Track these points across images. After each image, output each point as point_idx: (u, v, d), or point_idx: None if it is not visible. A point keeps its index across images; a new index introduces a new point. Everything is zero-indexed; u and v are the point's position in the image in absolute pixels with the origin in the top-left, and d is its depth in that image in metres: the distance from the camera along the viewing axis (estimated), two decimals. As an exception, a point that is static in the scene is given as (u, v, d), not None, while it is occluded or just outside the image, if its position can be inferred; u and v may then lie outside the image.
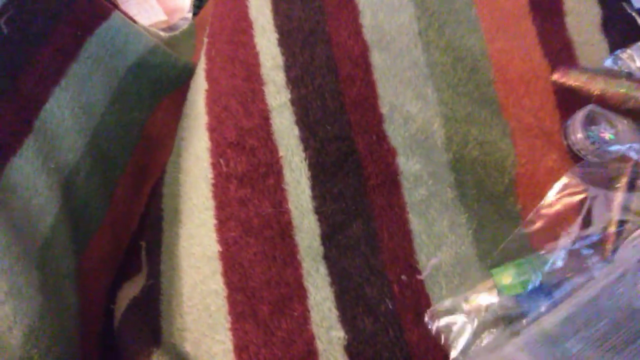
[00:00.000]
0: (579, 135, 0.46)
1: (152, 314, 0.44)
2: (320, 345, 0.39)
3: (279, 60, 0.46)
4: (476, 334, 0.39)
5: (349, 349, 0.39)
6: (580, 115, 0.47)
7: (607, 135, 0.47)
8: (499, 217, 0.45)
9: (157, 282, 0.45)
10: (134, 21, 0.60)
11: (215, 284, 0.42)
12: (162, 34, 0.78)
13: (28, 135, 0.42)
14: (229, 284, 0.41)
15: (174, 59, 0.59)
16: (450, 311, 0.40)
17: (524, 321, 0.39)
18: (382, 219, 0.42)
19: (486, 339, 0.39)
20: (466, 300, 0.40)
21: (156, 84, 0.57)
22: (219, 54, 0.49)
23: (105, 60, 0.50)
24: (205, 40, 0.51)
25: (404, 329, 0.39)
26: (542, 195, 0.46)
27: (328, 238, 0.42)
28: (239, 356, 0.39)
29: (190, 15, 1.06)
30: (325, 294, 0.40)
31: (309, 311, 0.40)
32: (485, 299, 0.40)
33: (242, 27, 0.48)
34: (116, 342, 0.46)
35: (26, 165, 0.41)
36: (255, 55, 0.47)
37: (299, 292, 0.40)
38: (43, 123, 0.43)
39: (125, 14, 0.56)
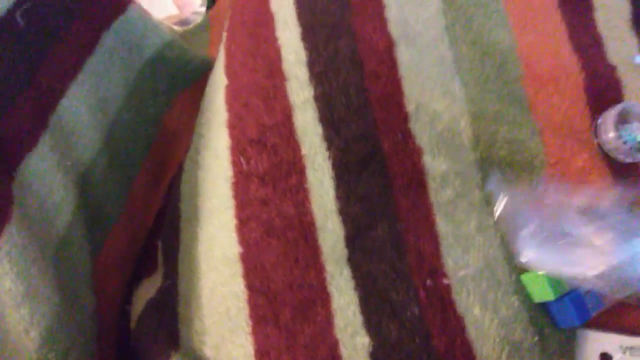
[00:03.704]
0: (611, 135, 0.45)
1: (169, 317, 0.43)
2: (344, 351, 0.38)
3: (302, 55, 0.45)
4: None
5: (374, 355, 0.37)
6: (612, 113, 0.45)
7: (640, 134, 0.45)
8: (528, 219, 0.44)
9: (174, 283, 0.44)
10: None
11: (235, 287, 0.41)
12: (176, 28, 0.77)
13: (44, 132, 0.41)
14: (250, 286, 0.40)
15: (190, 53, 0.58)
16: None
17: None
18: (408, 221, 0.41)
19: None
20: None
21: (173, 78, 0.56)
22: (239, 48, 0.47)
23: (122, 54, 0.49)
24: (225, 34, 0.49)
25: (431, 335, 0.38)
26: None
27: (352, 240, 0.41)
28: (260, 361, 0.38)
29: (203, 9, 1.05)
30: (349, 298, 0.39)
31: (332, 316, 0.39)
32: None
33: (263, 20, 0.47)
34: (132, 344, 0.45)
35: (42, 163, 0.40)
36: (277, 50, 0.45)
37: (322, 296, 0.39)
38: (59, 119, 0.42)
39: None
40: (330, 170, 0.42)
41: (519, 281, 0.41)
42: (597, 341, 0.40)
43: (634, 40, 0.51)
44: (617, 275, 0.30)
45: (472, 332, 0.38)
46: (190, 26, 0.79)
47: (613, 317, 0.41)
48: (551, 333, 0.40)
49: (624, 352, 0.40)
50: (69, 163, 0.42)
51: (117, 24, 0.48)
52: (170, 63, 0.55)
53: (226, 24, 0.50)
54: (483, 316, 0.39)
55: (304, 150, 0.43)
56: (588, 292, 0.40)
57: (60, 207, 0.41)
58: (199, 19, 0.84)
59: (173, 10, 1.18)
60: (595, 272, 0.31)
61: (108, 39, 0.47)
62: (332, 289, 0.39)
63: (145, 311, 0.45)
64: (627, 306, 0.42)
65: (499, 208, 0.39)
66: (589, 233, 0.32)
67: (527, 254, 0.34)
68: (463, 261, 0.40)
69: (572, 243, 0.32)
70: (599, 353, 0.40)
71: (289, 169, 0.42)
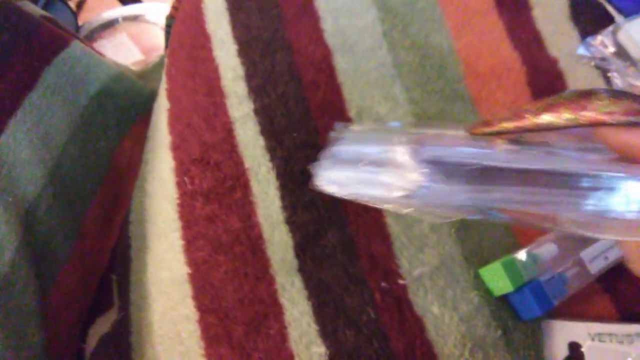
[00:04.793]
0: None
1: (123, 349, 0.41)
2: (300, 363, 0.36)
3: (240, 71, 0.45)
4: None
5: None
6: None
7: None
8: (483, 215, 0.43)
9: (127, 314, 0.43)
10: (99, 53, 0.59)
11: (185, 309, 0.39)
12: (133, 67, 0.78)
13: None
14: (200, 307, 0.39)
15: (139, 86, 0.58)
16: None
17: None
18: (358, 225, 0.40)
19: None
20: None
21: (122, 112, 0.55)
22: (179, 71, 0.47)
23: (66, 90, 0.49)
24: (165, 60, 0.50)
25: (389, 338, 0.36)
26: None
27: (302, 249, 0.40)
28: (215, 383, 0.37)
29: (167, 51, 1.06)
30: (302, 309, 0.38)
31: (286, 328, 0.37)
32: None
33: (201, 42, 0.47)
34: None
35: None
36: (215, 69, 0.46)
37: (275, 309, 0.38)
38: None
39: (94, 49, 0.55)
40: (275, 181, 0.41)
41: (477, 277, 0.40)
42: (564, 331, 0.39)
43: (574, 32, 0.51)
44: (427, 198, 0.27)
45: (432, 332, 0.37)
46: (149, 66, 0.80)
47: (578, 305, 0.41)
48: (515, 326, 0.39)
49: (593, 339, 0.38)
50: (10, 199, 0.41)
51: (58, 60, 0.48)
52: (118, 96, 0.54)
53: (167, 49, 0.50)
54: (442, 314, 0.38)
55: (247, 163, 0.42)
56: (549, 280, 0.39)
57: (2, 244, 0.39)
58: (158, 58, 0.85)
59: (139, 56, 1.19)
60: (398, 193, 0.28)
61: (49, 75, 0.47)
62: (284, 300, 0.38)
63: (99, 346, 0.43)
64: (592, 293, 0.41)
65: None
66: (391, 152, 0.29)
67: (321, 176, 0.30)
68: (418, 260, 0.39)
69: (374, 162, 0.28)
70: (567, 342, 0.39)
71: (233, 184, 0.41)
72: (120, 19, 1.22)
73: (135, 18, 1.25)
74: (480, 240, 0.41)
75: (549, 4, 0.52)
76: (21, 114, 0.44)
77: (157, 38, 1.22)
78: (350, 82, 0.44)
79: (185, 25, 0.49)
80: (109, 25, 1.23)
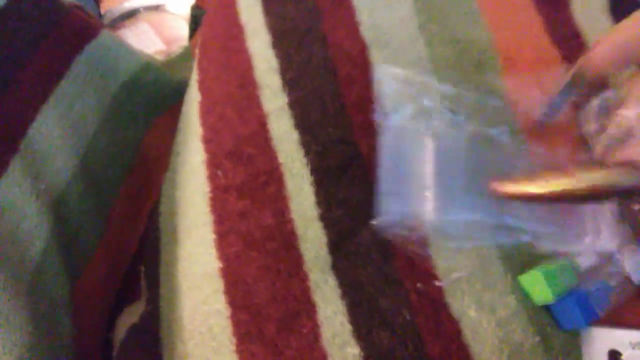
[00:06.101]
0: (593, 126, 0.43)
1: (152, 342, 0.41)
2: (333, 363, 0.35)
3: (274, 62, 0.44)
4: None
5: None
6: (593, 105, 0.44)
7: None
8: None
9: (156, 307, 0.42)
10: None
11: (217, 304, 0.39)
12: (158, 57, 0.77)
13: (14, 156, 0.40)
14: (232, 302, 0.38)
15: (168, 76, 0.57)
16: None
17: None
18: (393, 224, 0.39)
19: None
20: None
21: (151, 101, 0.55)
22: (211, 63, 0.47)
23: (96, 79, 0.48)
24: (197, 51, 0.49)
25: (425, 341, 0.35)
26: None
27: (336, 246, 0.39)
28: (246, 381, 0.36)
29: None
30: (336, 308, 0.37)
31: (319, 327, 0.37)
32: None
33: (233, 32, 0.46)
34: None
35: (13, 187, 0.39)
36: (248, 60, 0.45)
37: (307, 307, 0.37)
38: (30, 143, 0.41)
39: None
40: (309, 176, 0.41)
41: (515, 281, 0.39)
42: (604, 338, 0.38)
43: (614, 29, 0.50)
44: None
45: (468, 336, 0.36)
46: (173, 56, 0.79)
47: (619, 313, 0.39)
48: (554, 332, 0.38)
49: (634, 348, 0.37)
50: (42, 187, 0.41)
51: (89, 49, 0.48)
52: (147, 86, 0.54)
53: (199, 41, 0.50)
54: (479, 318, 0.37)
55: (281, 158, 0.41)
56: (593, 291, 0.38)
57: (34, 233, 0.39)
58: (182, 49, 0.84)
59: (161, 46, 1.19)
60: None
61: (80, 64, 0.47)
62: (317, 298, 0.37)
63: (127, 338, 0.43)
64: (634, 300, 0.40)
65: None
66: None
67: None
68: (455, 262, 0.38)
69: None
70: (607, 350, 0.37)
71: (267, 179, 0.41)
72: (141, 9, 1.22)
73: (156, 8, 1.24)
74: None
75: None
76: (53, 101, 0.44)
77: (179, 28, 1.21)
78: (387, 78, 0.43)
79: (217, 16, 0.48)
80: (131, 14, 1.22)
